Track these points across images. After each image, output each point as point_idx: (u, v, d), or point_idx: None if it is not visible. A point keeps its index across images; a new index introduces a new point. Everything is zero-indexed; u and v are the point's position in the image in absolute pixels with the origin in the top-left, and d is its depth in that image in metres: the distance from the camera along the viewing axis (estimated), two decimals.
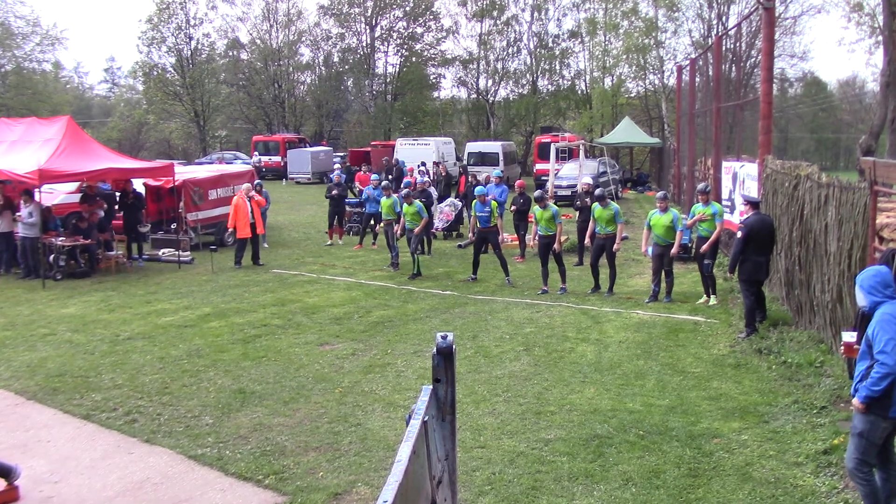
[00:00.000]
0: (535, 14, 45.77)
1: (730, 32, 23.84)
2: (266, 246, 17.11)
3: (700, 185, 12.27)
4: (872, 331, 4.51)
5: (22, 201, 13.49)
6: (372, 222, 17.93)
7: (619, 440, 6.25)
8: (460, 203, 19.46)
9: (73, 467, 5.96)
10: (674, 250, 11.21)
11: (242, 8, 58.72)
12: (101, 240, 14.97)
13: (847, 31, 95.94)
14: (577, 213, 15.06)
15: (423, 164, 25.45)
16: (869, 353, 4.54)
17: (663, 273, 11.31)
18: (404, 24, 48.40)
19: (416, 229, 13.80)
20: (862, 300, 4.68)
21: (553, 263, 12.15)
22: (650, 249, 11.54)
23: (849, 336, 4.93)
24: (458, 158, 32.85)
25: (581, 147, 20.53)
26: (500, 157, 30.75)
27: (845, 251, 7.57)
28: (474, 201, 13.36)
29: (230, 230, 15.66)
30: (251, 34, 50.50)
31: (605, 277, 12.05)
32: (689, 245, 13.16)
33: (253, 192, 15.22)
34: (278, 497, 5.44)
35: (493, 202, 13.35)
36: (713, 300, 11.02)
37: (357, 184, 22.75)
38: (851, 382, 4.97)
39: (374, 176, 19.35)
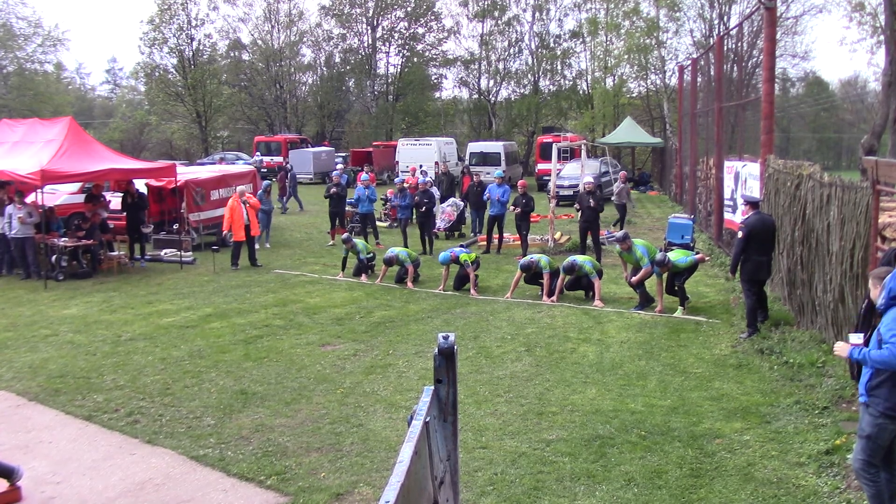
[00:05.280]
0: (537, 14, 45.85)
1: (731, 32, 23.84)
2: (268, 246, 17.14)
3: (618, 234, 11.72)
4: (886, 326, 4.49)
5: (15, 202, 13.47)
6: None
7: (621, 440, 6.25)
8: (462, 203, 19.48)
9: (74, 468, 5.97)
10: (633, 279, 11.01)
11: (244, 9, 59.01)
12: (103, 240, 14.98)
13: (849, 31, 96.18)
14: (579, 213, 15.02)
15: (422, 165, 26.22)
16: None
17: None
18: (406, 24, 48.48)
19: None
20: (880, 299, 4.64)
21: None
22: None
23: (856, 338, 4.90)
24: (461, 158, 32.93)
25: (583, 147, 20.45)
26: (502, 157, 30.79)
27: (847, 251, 7.56)
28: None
29: (226, 232, 15.55)
30: (252, 35, 50.70)
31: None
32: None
33: (247, 196, 15.14)
34: (280, 497, 5.45)
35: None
36: (679, 312, 10.63)
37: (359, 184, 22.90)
38: (853, 383, 4.95)
39: (363, 176, 19.33)
